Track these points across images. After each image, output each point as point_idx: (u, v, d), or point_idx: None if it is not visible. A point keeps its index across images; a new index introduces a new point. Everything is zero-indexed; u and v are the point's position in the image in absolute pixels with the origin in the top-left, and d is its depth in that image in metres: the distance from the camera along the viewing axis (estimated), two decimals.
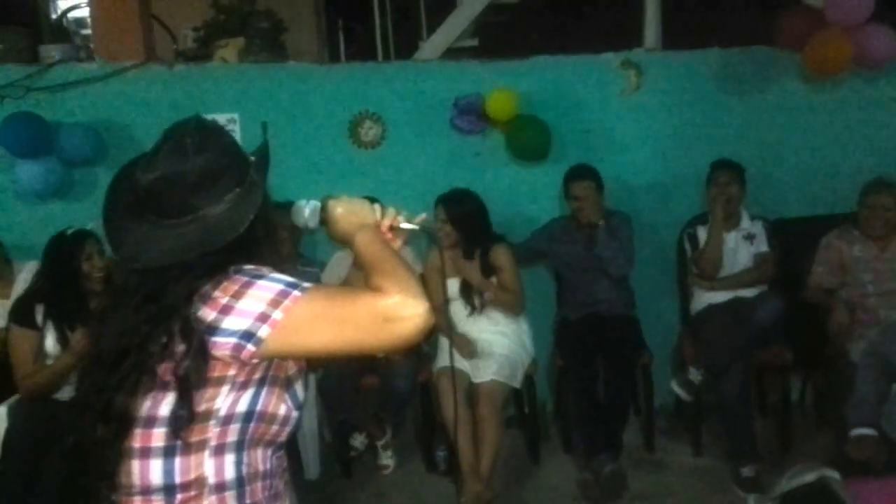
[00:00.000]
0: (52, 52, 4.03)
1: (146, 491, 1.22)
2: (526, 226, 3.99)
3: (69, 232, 3.11)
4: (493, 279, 3.54)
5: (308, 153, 4.07)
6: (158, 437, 1.21)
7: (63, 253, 3.02)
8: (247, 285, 1.21)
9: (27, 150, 3.76)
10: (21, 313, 3.02)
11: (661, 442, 3.72)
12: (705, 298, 3.69)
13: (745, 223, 3.70)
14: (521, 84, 4.03)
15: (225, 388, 1.22)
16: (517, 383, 3.52)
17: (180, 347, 1.19)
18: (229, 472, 1.24)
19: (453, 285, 3.56)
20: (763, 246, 3.67)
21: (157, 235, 1.24)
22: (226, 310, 1.19)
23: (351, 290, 1.28)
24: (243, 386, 1.23)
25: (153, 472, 1.21)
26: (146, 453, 1.22)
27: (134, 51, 4.05)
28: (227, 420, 1.23)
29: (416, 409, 3.82)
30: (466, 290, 3.55)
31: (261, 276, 1.23)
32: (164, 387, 1.21)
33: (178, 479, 1.22)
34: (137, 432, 1.22)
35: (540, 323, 3.90)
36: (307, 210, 1.46)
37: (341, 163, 4.09)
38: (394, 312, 1.18)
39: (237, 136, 4.00)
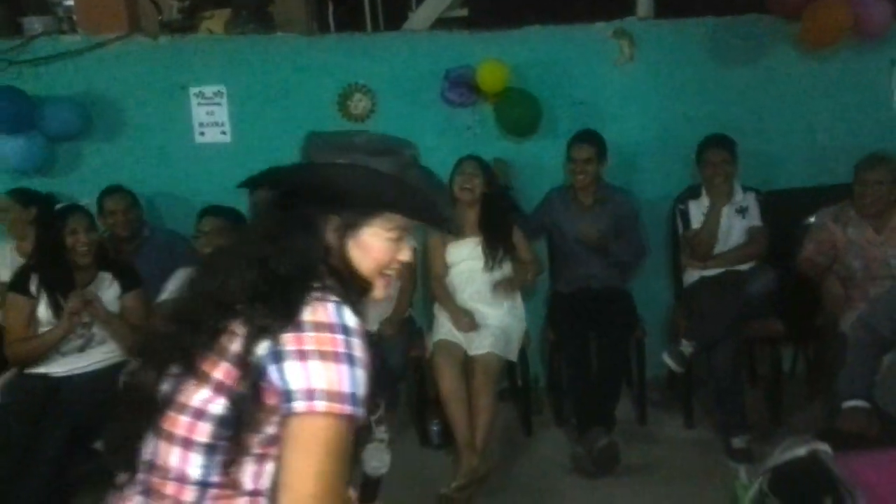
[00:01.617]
0: (34, 24, 3.94)
1: (182, 479, 1.20)
2: (517, 199, 3.96)
3: (58, 206, 3.23)
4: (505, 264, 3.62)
5: (296, 127, 3.97)
6: (204, 431, 1.19)
7: (50, 227, 3.11)
8: (336, 358, 1.16)
9: (9, 125, 3.69)
10: (18, 282, 3.14)
11: (653, 414, 3.73)
12: (697, 271, 3.69)
13: (738, 196, 3.68)
14: (512, 55, 3.97)
15: (276, 418, 1.19)
16: (513, 356, 3.53)
17: (234, 347, 1.18)
18: (266, 481, 1.22)
19: (467, 246, 3.57)
20: (755, 220, 3.66)
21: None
22: (301, 356, 1.15)
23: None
24: None
25: (191, 465, 1.19)
26: (189, 444, 1.19)
27: (118, 22, 3.96)
28: (272, 440, 1.21)
29: (408, 384, 3.82)
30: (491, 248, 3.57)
31: (352, 363, 1.17)
32: (210, 384, 1.19)
33: (215, 478, 1.19)
34: (185, 420, 1.20)
35: (532, 296, 3.89)
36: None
37: None
38: None
39: (223, 109, 3.95)
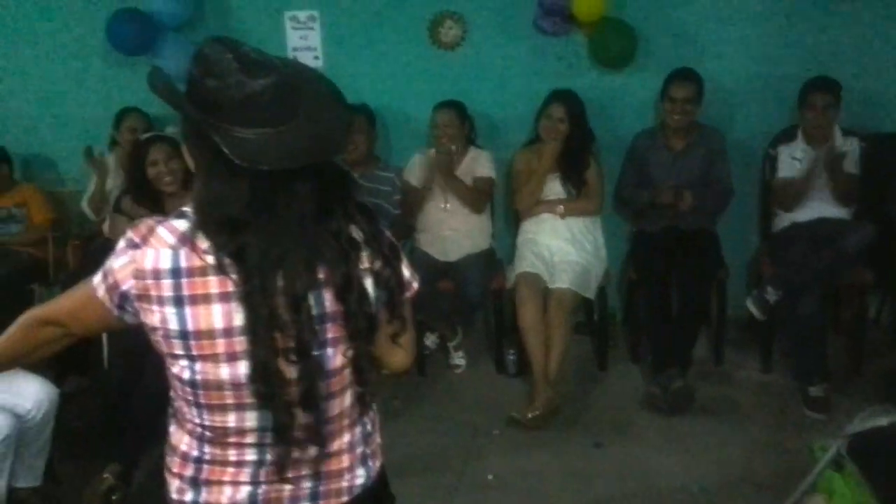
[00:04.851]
0: None
1: (352, 407, 1.32)
2: (608, 133, 3.90)
3: (143, 137, 3.31)
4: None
5: (385, 54, 4.02)
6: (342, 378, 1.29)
7: (135, 157, 3.21)
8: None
9: (136, 48, 3.85)
10: (119, 203, 3.28)
11: (729, 355, 3.74)
12: (788, 217, 3.60)
13: (838, 140, 3.53)
14: None
15: None
16: (591, 294, 3.57)
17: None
18: None
19: (552, 181, 3.64)
20: (852, 167, 3.52)
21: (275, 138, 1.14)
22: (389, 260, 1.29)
23: None
24: None
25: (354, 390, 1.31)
26: (351, 384, 1.30)
27: None
28: None
29: (486, 313, 3.93)
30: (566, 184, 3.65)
31: None
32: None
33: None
34: (346, 374, 1.27)
35: (615, 231, 3.89)
36: None
37: (419, 64, 4.04)
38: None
39: (316, 34, 3.99)
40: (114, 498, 2.61)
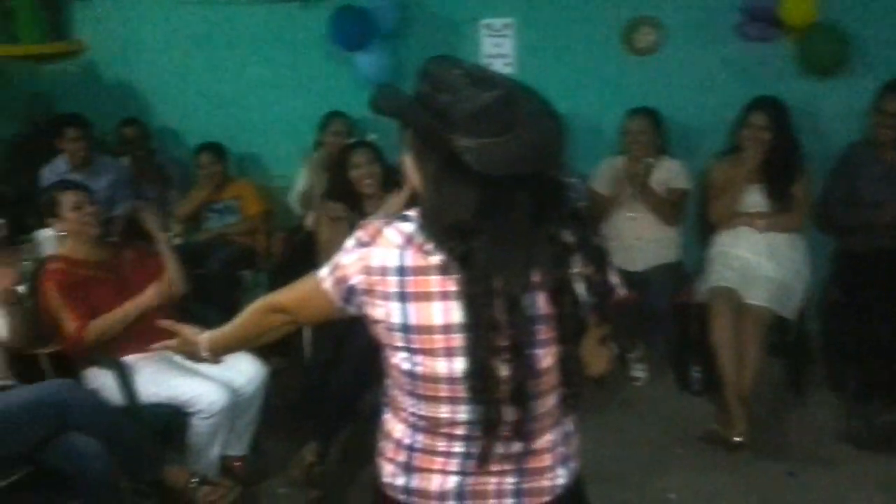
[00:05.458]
0: None
1: (555, 406, 1.34)
2: (813, 143, 3.65)
3: (348, 143, 3.53)
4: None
5: (577, 60, 4.01)
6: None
7: (339, 161, 3.41)
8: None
9: (355, 43, 4.02)
10: (323, 201, 3.45)
11: None
12: None
13: None
14: None
15: None
16: (790, 313, 3.37)
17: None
18: None
19: (754, 192, 3.45)
20: None
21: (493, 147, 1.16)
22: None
23: None
24: None
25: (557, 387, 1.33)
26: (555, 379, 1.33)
27: None
28: None
29: (668, 327, 3.80)
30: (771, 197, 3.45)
31: None
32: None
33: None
34: (553, 374, 1.29)
35: (816, 249, 3.64)
36: None
37: (611, 70, 4.00)
38: None
39: (510, 41, 4.05)
40: (314, 472, 2.79)
